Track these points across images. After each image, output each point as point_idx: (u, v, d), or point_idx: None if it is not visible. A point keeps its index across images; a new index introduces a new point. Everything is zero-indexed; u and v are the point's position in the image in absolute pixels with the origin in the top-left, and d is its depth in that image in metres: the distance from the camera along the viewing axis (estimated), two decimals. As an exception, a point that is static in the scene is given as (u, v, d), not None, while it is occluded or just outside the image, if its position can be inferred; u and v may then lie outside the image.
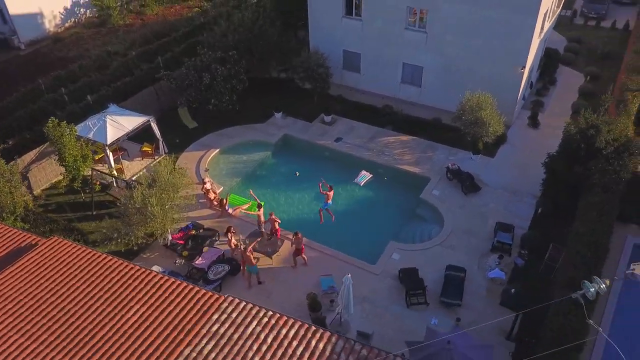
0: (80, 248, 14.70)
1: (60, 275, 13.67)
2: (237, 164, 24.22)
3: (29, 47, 35.02)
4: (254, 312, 12.90)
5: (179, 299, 13.13)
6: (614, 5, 37.59)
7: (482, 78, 23.94)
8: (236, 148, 25.01)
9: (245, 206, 20.80)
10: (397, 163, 23.40)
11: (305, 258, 18.64)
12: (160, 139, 23.73)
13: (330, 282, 17.59)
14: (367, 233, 20.28)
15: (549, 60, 29.06)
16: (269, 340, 12.18)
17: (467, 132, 22.89)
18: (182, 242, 18.94)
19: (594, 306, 14.16)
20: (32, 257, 14.23)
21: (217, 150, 24.64)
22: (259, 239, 18.65)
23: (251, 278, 17.79)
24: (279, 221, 19.38)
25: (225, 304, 13.05)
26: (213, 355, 11.69)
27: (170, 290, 13.38)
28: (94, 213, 20.81)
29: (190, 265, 18.17)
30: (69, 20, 37.87)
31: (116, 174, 22.08)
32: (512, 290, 16.42)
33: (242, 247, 17.83)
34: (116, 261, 14.21)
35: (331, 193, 20.61)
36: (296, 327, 12.58)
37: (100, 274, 13.74)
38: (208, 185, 21.07)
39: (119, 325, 12.34)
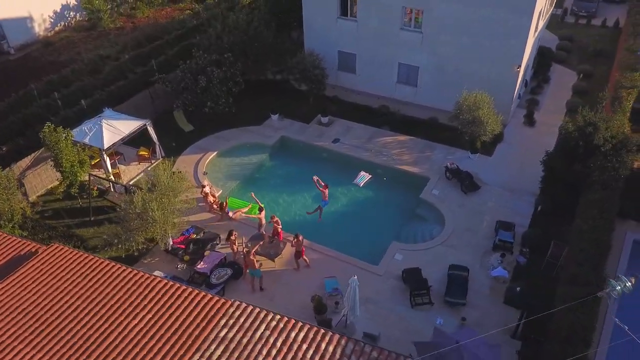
0: (82, 255, 14.49)
1: (63, 283, 13.48)
2: (235, 167, 24.07)
3: (19, 51, 34.54)
4: (261, 315, 12.81)
5: (185, 305, 12.99)
6: (604, 4, 37.98)
7: (478, 77, 24.05)
8: (233, 151, 24.85)
9: (245, 209, 20.66)
10: (395, 163, 23.41)
11: (307, 260, 18.57)
12: (157, 143, 23.51)
13: (334, 284, 17.52)
14: (368, 234, 20.25)
15: (543, 59, 29.29)
16: (278, 344, 12.09)
17: (464, 131, 22.97)
18: (183, 246, 18.77)
19: (598, 305, 14.27)
20: (33, 265, 14.01)
21: (215, 153, 24.47)
22: (261, 242, 18.53)
23: (254, 282, 17.66)
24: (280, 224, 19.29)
25: (232, 309, 12.94)
26: (223, 360, 11.59)
27: (175, 295, 13.24)
28: (92, 219, 20.55)
29: (192, 269, 18.00)
30: (58, 24, 37.40)
31: (113, 178, 21.83)
32: (518, 289, 16.46)
33: (244, 250, 17.72)
34: (119, 267, 14.04)
35: (326, 191, 20.67)
36: (305, 330, 12.50)
37: (104, 281, 13.56)
38: (207, 189, 20.90)
39: (125, 332, 12.19)
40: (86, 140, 21.06)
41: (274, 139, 25.35)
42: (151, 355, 11.65)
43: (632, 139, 19.45)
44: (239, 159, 24.47)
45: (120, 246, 17.53)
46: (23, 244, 15.33)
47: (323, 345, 12.14)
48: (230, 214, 20.45)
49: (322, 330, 12.53)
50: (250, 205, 20.70)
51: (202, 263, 18.07)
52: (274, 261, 18.52)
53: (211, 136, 25.56)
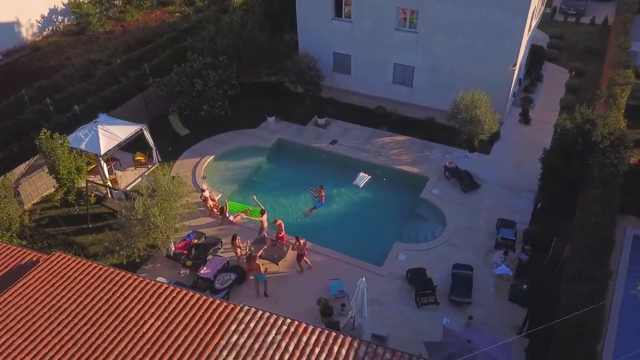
0: (85, 263, 14.24)
1: (68, 292, 13.22)
2: (233, 171, 23.89)
3: (6, 57, 33.95)
4: (271, 320, 12.67)
5: (193, 311, 12.81)
6: (592, 2, 38.46)
7: (473, 77, 24.17)
8: (231, 154, 24.66)
9: (245, 212, 20.50)
10: (394, 164, 23.42)
11: (308, 261, 18.48)
12: (154, 148, 23.25)
13: (339, 286, 17.44)
14: (370, 235, 20.22)
15: (535, 57, 29.55)
16: (291, 348, 11.98)
17: (462, 130, 23.05)
18: (185, 252, 18.55)
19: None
20: (36, 275, 13.72)
21: (212, 157, 24.25)
22: (265, 247, 18.40)
23: (259, 286, 17.52)
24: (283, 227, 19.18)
25: (242, 314, 12.78)
26: (236, 366, 11.45)
27: (183, 302, 13.06)
28: (90, 226, 20.23)
29: (195, 275, 17.80)
30: (46, 29, 36.84)
31: (111, 184, 21.53)
32: (524, 287, 16.53)
33: (248, 254, 17.57)
34: (124, 275, 13.81)
35: (322, 192, 20.80)
36: (316, 333, 12.39)
37: (110, 289, 13.32)
38: (207, 193, 20.71)
39: (134, 341, 11.98)
40: (82, 147, 20.73)
41: (271, 142, 25.21)
42: (163, 363, 11.47)
43: (629, 135, 19.68)
44: (237, 163, 24.30)
45: (121, 253, 17.28)
46: (23, 253, 15.01)
47: (335, 349, 12.05)
48: (231, 217, 20.28)
49: (334, 333, 12.44)
50: (250, 209, 20.55)
51: (205, 268, 17.88)
52: (277, 265, 18.40)
53: (207, 140, 25.34)
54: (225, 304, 13.06)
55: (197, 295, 13.29)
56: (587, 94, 27.62)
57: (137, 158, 23.38)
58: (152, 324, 12.40)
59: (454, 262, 18.20)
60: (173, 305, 12.93)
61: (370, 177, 22.21)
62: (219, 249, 19.12)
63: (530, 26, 24.92)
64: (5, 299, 12.98)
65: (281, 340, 12.13)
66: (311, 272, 18.41)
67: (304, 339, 12.21)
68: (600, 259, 15.42)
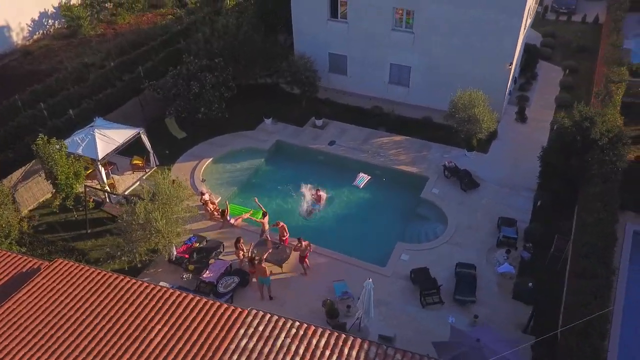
0: (88, 269, 14.04)
1: (72, 299, 13.02)
2: (231, 173, 23.75)
3: (-4, 61, 33.54)
4: (280, 323, 12.57)
5: (200, 316, 12.68)
6: (583, 0, 38.82)
7: (470, 76, 24.25)
8: (229, 157, 24.52)
9: (246, 215, 20.38)
10: (393, 164, 23.42)
11: (308, 262, 18.39)
12: (151, 151, 23.04)
13: (343, 288, 17.39)
14: (372, 235, 20.20)
15: (529, 56, 29.71)
16: (301, 351, 11.89)
17: (460, 129, 23.11)
18: (186, 256, 18.40)
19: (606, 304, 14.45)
20: (39, 282, 13.50)
21: (210, 159, 24.09)
22: (269, 250, 18.30)
23: (263, 289, 17.42)
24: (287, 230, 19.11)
25: (250, 317, 12.67)
26: (247, 371, 11.35)
27: (190, 307, 12.92)
28: (89, 231, 19.99)
29: (198, 279, 17.65)
30: (37, 32, 36.41)
31: (109, 189, 21.29)
32: (530, 284, 16.59)
33: (250, 257, 17.47)
34: (128, 281, 13.63)
35: (320, 194, 20.95)
36: (326, 336, 12.32)
37: (114, 295, 13.15)
38: (206, 196, 20.56)
39: (143, 347, 11.83)
40: (79, 151, 20.48)
41: (269, 143, 25.11)
42: (172, 369, 11.34)
43: (626, 132, 19.88)
44: (235, 165, 24.17)
45: (123, 258, 17.05)
46: (24, 261, 14.77)
47: (346, 350, 11.98)
48: (232, 220, 20.15)
49: (343, 335, 12.38)
50: (251, 211, 20.44)
51: (207, 272, 17.73)
52: (281, 267, 18.31)
53: (205, 142, 25.17)
54: (232, 307, 12.94)
55: (204, 299, 13.15)
56: (581, 91, 27.90)
57: (135, 162, 23.15)
58: (160, 329, 12.25)
59: (456, 261, 18.25)
60: (180, 310, 12.79)
61: (370, 177, 22.21)
62: (221, 252, 18.98)
63: (525, 25, 25.08)
64: (9, 307, 12.76)
65: (291, 343, 12.03)
66: (315, 273, 18.32)
67: (314, 341, 12.13)
68: (603, 256, 15.52)
